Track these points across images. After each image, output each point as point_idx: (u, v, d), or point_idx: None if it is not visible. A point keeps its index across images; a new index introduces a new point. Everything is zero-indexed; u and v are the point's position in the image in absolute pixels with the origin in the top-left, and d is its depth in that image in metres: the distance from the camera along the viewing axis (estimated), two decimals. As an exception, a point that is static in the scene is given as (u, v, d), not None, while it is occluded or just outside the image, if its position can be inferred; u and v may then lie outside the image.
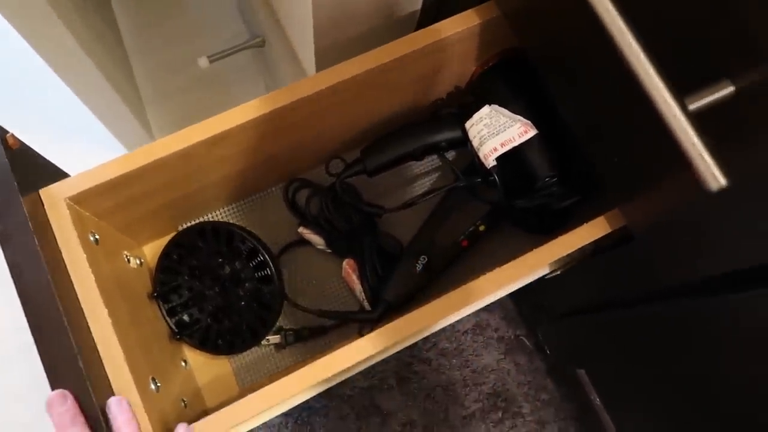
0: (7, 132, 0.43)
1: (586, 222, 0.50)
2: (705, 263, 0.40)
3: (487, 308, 1.01)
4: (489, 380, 0.99)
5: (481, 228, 0.61)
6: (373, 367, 0.96)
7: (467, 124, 0.57)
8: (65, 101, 0.72)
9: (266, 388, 0.45)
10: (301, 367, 0.45)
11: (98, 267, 0.45)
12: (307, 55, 0.70)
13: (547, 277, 0.67)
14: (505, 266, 0.49)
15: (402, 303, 0.59)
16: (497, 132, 0.55)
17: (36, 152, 0.48)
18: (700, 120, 0.29)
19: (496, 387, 0.99)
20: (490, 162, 0.55)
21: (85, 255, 0.44)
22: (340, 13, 0.60)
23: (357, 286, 0.62)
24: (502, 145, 0.54)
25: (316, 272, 0.65)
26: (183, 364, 0.59)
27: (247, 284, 0.59)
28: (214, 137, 0.48)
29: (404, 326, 0.47)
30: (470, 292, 0.48)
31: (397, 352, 0.68)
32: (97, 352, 0.43)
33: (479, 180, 0.59)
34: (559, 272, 0.66)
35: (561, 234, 0.50)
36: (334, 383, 0.62)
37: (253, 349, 0.62)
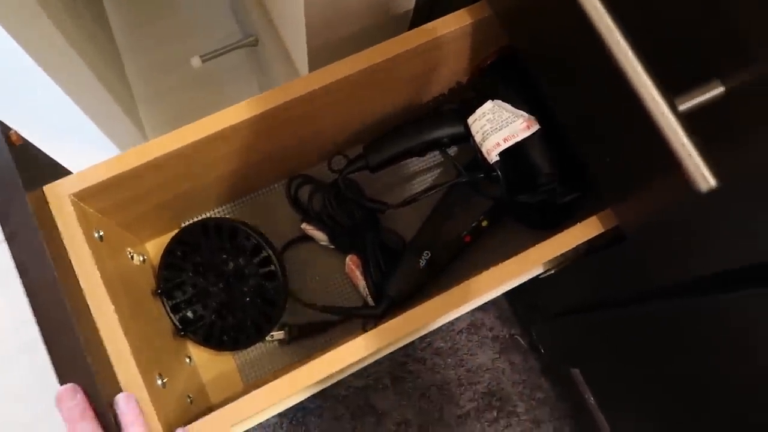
0: (9, 129, 0.43)
1: (580, 221, 0.50)
2: (696, 263, 0.40)
3: (481, 307, 1.01)
4: (484, 379, 0.99)
5: (484, 223, 0.61)
6: (367, 366, 0.96)
7: (470, 120, 0.57)
8: (56, 101, 0.71)
9: (271, 384, 0.45)
10: (306, 363, 0.45)
11: (103, 264, 0.46)
12: (300, 55, 0.70)
13: (541, 276, 0.67)
14: (501, 264, 0.49)
15: (405, 298, 0.59)
16: (500, 127, 0.55)
17: (38, 149, 0.48)
18: (690, 120, 0.29)
19: (491, 386, 0.99)
20: (493, 157, 0.55)
21: (90, 251, 0.44)
22: (332, 12, 0.60)
23: (360, 282, 0.62)
24: (505, 140, 0.54)
25: (319, 268, 0.65)
26: (187, 360, 0.59)
27: (251, 280, 0.59)
28: (217, 134, 0.48)
29: (408, 322, 0.47)
30: (471, 289, 0.48)
31: (392, 352, 0.68)
32: (104, 347, 0.43)
33: (481, 176, 0.59)
34: (553, 272, 0.66)
35: (555, 233, 0.50)
36: (331, 383, 0.62)
37: (257, 345, 0.62)
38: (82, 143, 0.91)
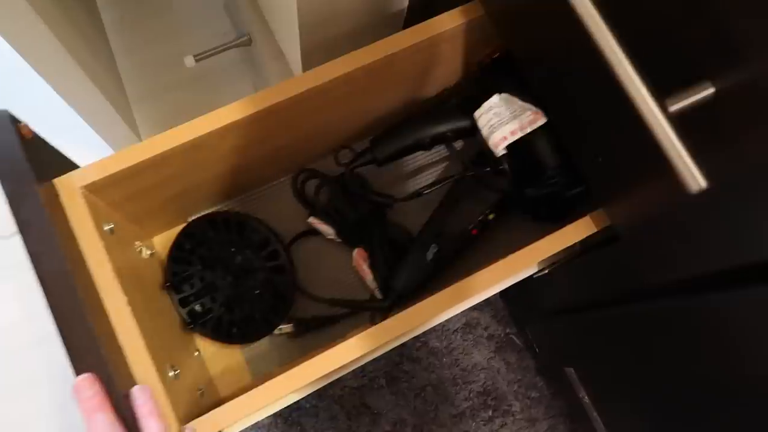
0: (20, 122, 0.43)
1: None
2: (687, 263, 0.40)
3: (476, 307, 1.01)
4: (479, 379, 0.99)
5: (491, 217, 0.61)
6: (363, 366, 0.96)
7: (477, 113, 0.57)
8: (47, 100, 0.71)
9: (281, 376, 0.45)
10: (315, 355, 0.45)
11: (113, 256, 0.46)
12: (293, 54, 0.69)
13: (535, 276, 0.67)
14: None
15: (413, 291, 0.60)
16: (507, 120, 0.55)
17: (47, 143, 0.48)
18: (681, 121, 0.29)
19: (486, 385, 0.99)
20: (500, 150, 0.55)
21: (102, 243, 0.45)
22: (325, 11, 0.60)
23: (368, 275, 0.62)
24: (512, 133, 0.54)
25: (326, 262, 0.65)
26: (196, 354, 0.59)
27: (259, 274, 0.59)
28: (225, 127, 0.49)
29: (415, 315, 0.47)
30: (472, 284, 0.48)
31: (387, 352, 0.68)
32: (116, 339, 0.43)
33: (488, 169, 0.59)
34: (546, 271, 0.66)
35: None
36: (335, 377, 0.62)
37: (265, 338, 0.62)
38: (74, 143, 0.91)
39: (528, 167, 0.55)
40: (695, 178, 0.28)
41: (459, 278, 0.48)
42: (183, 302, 0.58)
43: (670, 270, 0.43)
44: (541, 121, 0.53)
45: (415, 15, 0.68)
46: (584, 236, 0.50)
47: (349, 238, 0.63)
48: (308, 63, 0.68)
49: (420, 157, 0.69)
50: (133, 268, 0.51)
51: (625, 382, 0.67)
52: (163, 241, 0.62)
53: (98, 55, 0.84)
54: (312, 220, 0.64)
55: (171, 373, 0.47)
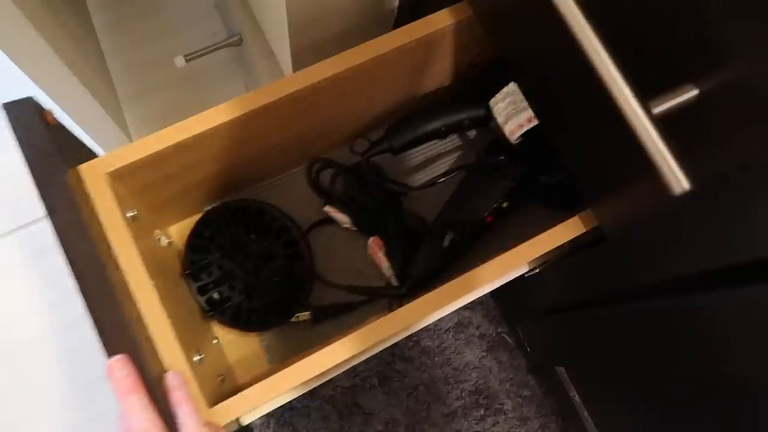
0: (44, 108, 0.43)
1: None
2: (673, 263, 0.40)
3: (468, 306, 1.01)
4: (471, 378, 0.99)
5: (504, 205, 0.62)
6: (354, 366, 0.96)
7: (492, 102, 0.58)
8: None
9: (298, 363, 0.45)
10: (334, 341, 0.46)
11: (137, 243, 0.46)
12: (284, 54, 0.69)
13: (526, 275, 0.68)
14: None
15: (429, 278, 0.60)
16: (523, 108, 0.55)
17: (69, 130, 0.48)
18: (665, 123, 0.29)
19: (478, 384, 0.99)
20: (516, 138, 0.56)
21: (128, 229, 0.45)
22: (315, 11, 0.60)
23: (384, 263, 0.62)
24: (529, 120, 0.55)
25: (342, 250, 0.65)
26: (214, 341, 0.59)
27: (277, 261, 0.59)
28: (244, 115, 0.49)
29: (432, 301, 0.48)
30: (474, 277, 0.49)
31: (379, 351, 0.68)
32: (143, 323, 0.43)
33: (502, 157, 0.60)
34: (537, 270, 0.66)
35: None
36: (350, 366, 0.62)
37: (282, 326, 0.62)
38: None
39: (542, 155, 0.56)
40: (678, 180, 0.28)
41: (475, 266, 0.49)
42: (201, 290, 0.59)
43: (656, 270, 0.43)
44: None
45: (405, 15, 0.68)
46: (573, 236, 0.50)
47: (365, 226, 0.64)
48: (298, 63, 0.68)
49: (434, 147, 0.69)
50: (154, 256, 0.51)
51: (614, 382, 0.67)
52: (178, 231, 0.63)
53: (88, 55, 0.83)
54: (328, 208, 0.64)
55: (196, 358, 0.47)
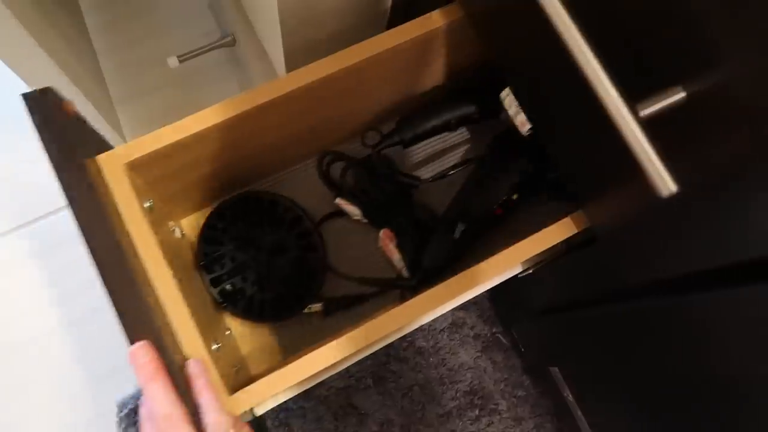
0: (63, 99, 0.43)
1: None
2: (663, 264, 0.40)
3: (463, 306, 1.01)
4: (466, 378, 0.99)
5: (514, 197, 0.62)
6: (349, 367, 0.95)
7: (503, 94, 0.58)
8: (22, 103, 0.70)
9: (311, 354, 0.45)
10: (348, 331, 0.46)
11: (154, 232, 0.46)
12: (276, 54, 0.69)
13: (520, 275, 0.68)
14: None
15: (440, 270, 0.60)
16: None
17: (86, 121, 0.49)
18: (653, 126, 0.29)
19: (473, 384, 0.99)
20: (526, 130, 0.56)
21: (146, 218, 0.45)
22: (307, 11, 0.60)
23: (395, 255, 0.63)
24: None
25: (353, 242, 0.66)
26: (227, 332, 0.60)
27: (290, 252, 0.60)
28: (259, 106, 0.50)
29: (443, 292, 0.48)
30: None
31: (374, 352, 0.68)
32: (163, 312, 0.44)
33: (512, 149, 0.60)
34: (531, 271, 0.66)
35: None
36: (358, 358, 0.63)
37: (294, 318, 0.62)
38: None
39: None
40: (665, 183, 0.28)
41: (486, 257, 0.49)
42: (214, 282, 0.59)
43: (647, 270, 0.43)
44: None
45: (398, 15, 0.68)
46: (565, 237, 0.51)
47: (376, 218, 0.65)
48: (291, 63, 0.68)
49: (444, 139, 0.70)
50: (170, 247, 0.52)
51: (607, 382, 0.67)
52: (189, 224, 0.63)
53: (80, 55, 0.83)
54: (339, 201, 0.64)
55: (214, 347, 0.48)
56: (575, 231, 0.50)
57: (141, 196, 0.48)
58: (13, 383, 0.82)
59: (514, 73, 0.47)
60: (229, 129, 0.50)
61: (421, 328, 1.00)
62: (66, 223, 0.96)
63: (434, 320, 1.00)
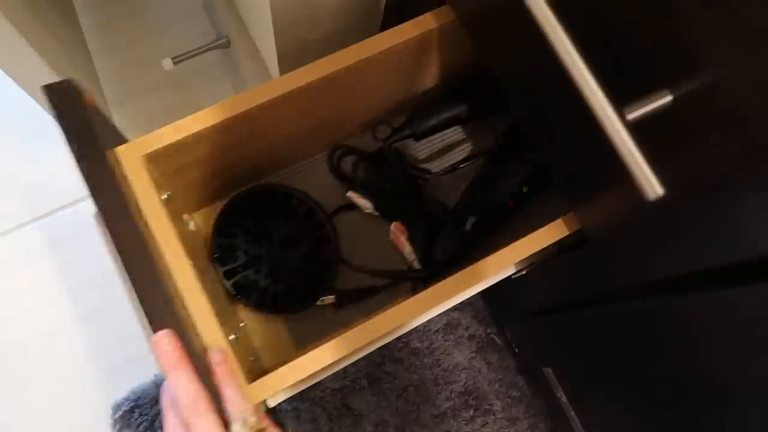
0: (83, 90, 0.44)
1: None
2: (653, 266, 0.40)
3: (457, 307, 1.01)
4: (460, 379, 1.00)
5: (524, 190, 0.62)
6: (344, 368, 0.95)
7: None
8: (20, 103, 0.70)
9: (323, 346, 0.45)
10: (360, 323, 0.46)
11: (173, 224, 0.47)
12: (270, 54, 0.69)
13: (513, 277, 0.68)
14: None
15: (451, 262, 0.60)
16: None
17: (104, 113, 0.49)
18: (640, 129, 0.29)
19: (468, 385, 0.99)
20: None
21: (165, 210, 0.46)
22: (300, 12, 0.60)
23: (406, 248, 0.63)
24: None
25: (364, 235, 0.66)
26: (241, 324, 0.60)
27: (304, 244, 0.60)
28: (278, 98, 0.50)
29: (455, 284, 0.48)
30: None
31: (369, 353, 0.68)
32: (182, 301, 0.44)
33: (522, 142, 0.60)
34: (524, 272, 0.66)
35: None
36: (372, 349, 0.62)
37: (307, 310, 0.63)
38: (51, 143, 0.90)
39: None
40: (652, 186, 0.28)
41: (498, 249, 0.50)
42: (228, 274, 0.59)
43: (637, 272, 0.43)
44: None
45: (392, 16, 0.68)
46: (557, 239, 0.51)
47: (387, 211, 0.65)
48: (284, 63, 0.68)
49: (455, 132, 0.70)
50: (185, 239, 0.52)
51: (600, 382, 0.67)
52: (202, 217, 0.63)
53: (73, 56, 0.83)
54: (350, 194, 0.65)
55: (232, 337, 0.48)
56: (567, 233, 0.51)
57: (159, 187, 0.48)
58: (13, 383, 0.82)
59: (505, 75, 0.47)
60: (246, 119, 0.51)
61: (416, 329, 1.00)
62: (64, 223, 0.96)
63: (429, 321, 1.01)
